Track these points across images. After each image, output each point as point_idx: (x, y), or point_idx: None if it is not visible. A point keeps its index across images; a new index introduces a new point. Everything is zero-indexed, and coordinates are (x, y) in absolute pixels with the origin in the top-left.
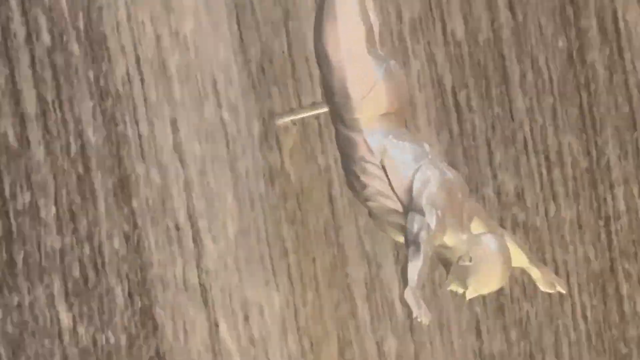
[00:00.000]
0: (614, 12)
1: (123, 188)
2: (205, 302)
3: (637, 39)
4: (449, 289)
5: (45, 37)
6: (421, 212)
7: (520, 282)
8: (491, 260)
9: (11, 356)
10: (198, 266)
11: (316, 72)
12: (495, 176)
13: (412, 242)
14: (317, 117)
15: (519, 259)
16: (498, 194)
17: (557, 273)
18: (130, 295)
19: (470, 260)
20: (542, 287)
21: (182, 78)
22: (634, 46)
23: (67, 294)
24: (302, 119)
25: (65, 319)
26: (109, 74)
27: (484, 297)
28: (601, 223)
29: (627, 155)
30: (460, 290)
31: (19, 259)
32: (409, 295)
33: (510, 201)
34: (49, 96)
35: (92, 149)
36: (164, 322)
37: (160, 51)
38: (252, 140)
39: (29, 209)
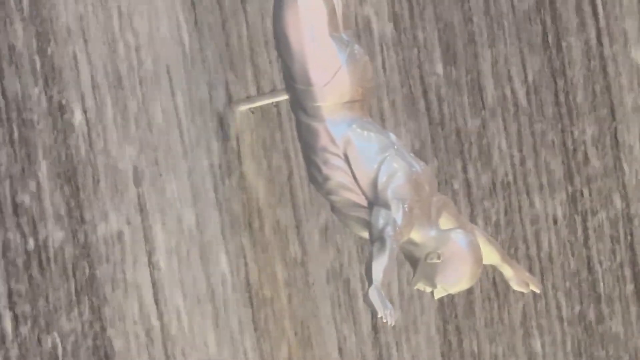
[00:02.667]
0: None
1: (70, 179)
2: (157, 300)
3: (616, 23)
4: (416, 287)
5: None
6: (387, 207)
7: (492, 281)
8: (461, 257)
9: None
10: (149, 263)
11: (276, 57)
12: (465, 168)
13: (377, 238)
14: (276, 104)
15: (491, 256)
16: (469, 187)
17: (530, 271)
18: (77, 294)
19: (439, 258)
20: (515, 286)
21: (133, 63)
22: (613, 30)
23: (10, 294)
24: (261, 106)
25: (8, 320)
26: (55, 57)
27: (453, 296)
28: (578, 218)
29: (605, 147)
30: (428, 289)
31: None
32: (373, 294)
33: (481, 195)
34: None
35: (37, 138)
36: (113, 321)
37: (109, 34)
38: (207, 129)
39: None
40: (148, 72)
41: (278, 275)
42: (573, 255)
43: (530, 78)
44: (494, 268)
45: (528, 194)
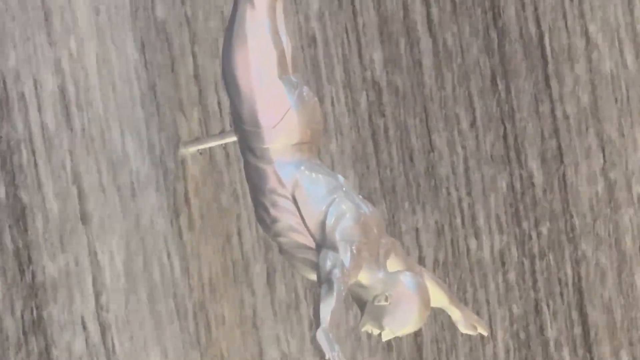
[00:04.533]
0: (541, 36)
1: (18, 220)
2: (105, 342)
3: (564, 66)
4: (363, 330)
5: None
6: (335, 249)
7: (440, 323)
8: (409, 300)
9: None
10: (97, 304)
11: (225, 98)
12: (414, 211)
13: (324, 280)
14: (225, 146)
15: (439, 298)
16: (417, 229)
17: (478, 314)
18: (25, 334)
19: (387, 300)
20: (463, 329)
21: (82, 104)
22: (561, 73)
23: None
24: (210, 148)
25: None
26: (3, 97)
27: (401, 338)
28: (526, 261)
29: (553, 189)
30: (376, 332)
31: None
32: (321, 336)
33: (429, 237)
34: None
35: None
36: None
37: (59, 75)
38: (156, 170)
39: None
40: (97, 113)
41: (226, 317)
42: (521, 298)
43: (478, 121)
44: (442, 310)
45: (476, 236)
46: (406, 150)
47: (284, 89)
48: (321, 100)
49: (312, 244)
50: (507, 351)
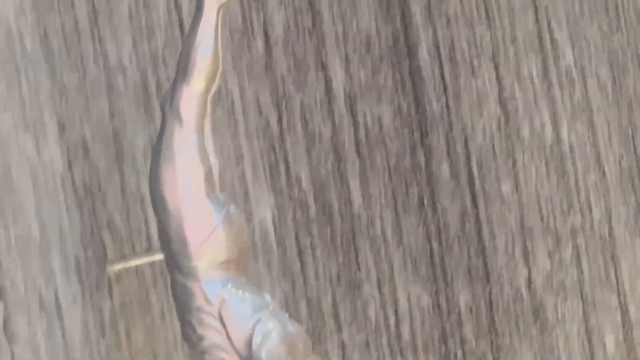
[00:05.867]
0: (468, 156)
1: None
2: None
3: (491, 186)
4: None
5: None
6: None
7: None
8: None
9: None
10: None
11: (152, 216)
12: (340, 329)
13: None
14: (152, 264)
15: None
16: (343, 348)
17: None
18: None
19: None
20: None
21: (9, 222)
22: (488, 194)
23: None
24: (137, 266)
25: None
26: None
27: None
28: None
29: (479, 309)
30: None
31: None
32: None
33: (355, 356)
34: None
35: None
36: None
37: None
38: (81, 288)
39: None
40: (23, 231)
41: None
42: None
43: (405, 240)
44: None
45: (402, 354)
46: (333, 268)
47: (211, 207)
48: (248, 219)
49: None
50: None
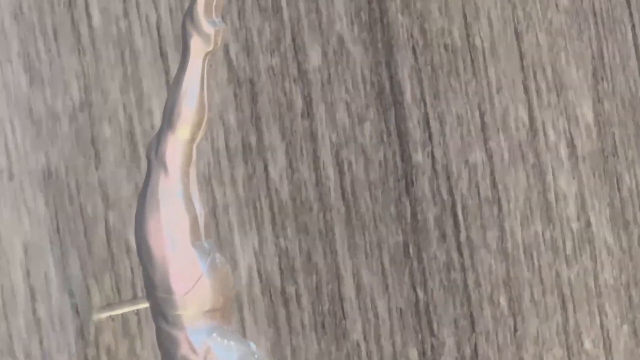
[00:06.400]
0: (453, 205)
1: None
2: None
3: (476, 234)
4: None
5: None
6: None
7: None
8: None
9: None
10: None
11: (137, 264)
12: None
13: None
14: (137, 312)
15: None
16: None
17: None
18: None
19: None
20: None
21: None
22: (473, 241)
23: None
24: (122, 314)
25: None
26: None
27: None
28: None
29: (465, 358)
30: None
31: None
32: None
33: None
34: None
35: None
36: None
37: None
38: (66, 336)
39: None
40: (6, 279)
41: None
42: None
43: (390, 289)
44: None
45: None
46: (318, 317)
47: (197, 255)
48: (233, 267)
49: None
50: None
